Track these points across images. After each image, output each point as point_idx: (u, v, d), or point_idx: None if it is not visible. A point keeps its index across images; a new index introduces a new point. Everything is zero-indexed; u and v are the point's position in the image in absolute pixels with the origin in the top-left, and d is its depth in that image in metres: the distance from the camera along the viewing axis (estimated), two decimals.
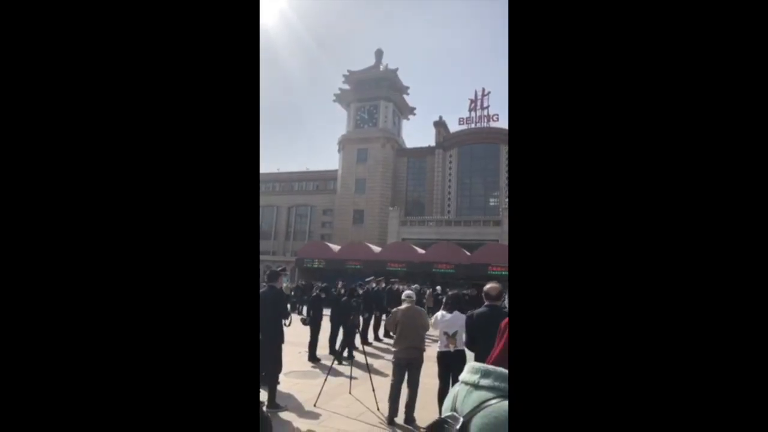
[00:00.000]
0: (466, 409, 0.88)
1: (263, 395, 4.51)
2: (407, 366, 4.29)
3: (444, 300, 4.71)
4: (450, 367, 4.13)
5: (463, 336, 4.16)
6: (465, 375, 0.96)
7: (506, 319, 1.12)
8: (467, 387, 0.93)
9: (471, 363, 0.99)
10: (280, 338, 4.64)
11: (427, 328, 4.45)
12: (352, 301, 6.54)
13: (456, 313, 4.25)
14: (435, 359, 4.34)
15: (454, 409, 0.92)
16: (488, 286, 3.75)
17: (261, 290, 4.75)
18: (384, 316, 9.91)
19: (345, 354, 6.55)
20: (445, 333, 4.19)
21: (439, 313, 4.34)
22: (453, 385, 3.83)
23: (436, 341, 4.70)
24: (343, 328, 6.65)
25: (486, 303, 3.64)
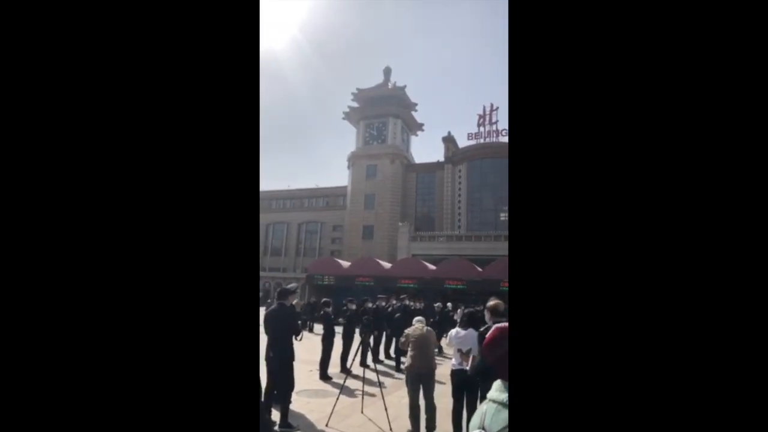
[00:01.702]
0: (496, 427, 0.87)
1: (275, 414, 4.45)
2: (419, 381, 4.33)
3: (460, 318, 4.66)
4: (463, 384, 4.04)
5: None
6: (493, 393, 0.97)
7: (490, 334, 1.09)
8: (496, 405, 0.93)
9: (499, 381, 0.98)
10: (291, 356, 4.59)
11: (436, 346, 4.45)
12: (364, 318, 6.49)
13: (470, 330, 4.18)
14: (448, 377, 4.27)
15: (482, 426, 0.91)
16: (494, 302, 3.65)
17: (271, 308, 4.74)
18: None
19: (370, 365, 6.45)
20: (459, 350, 4.12)
21: (454, 330, 4.31)
22: (466, 402, 3.72)
23: (450, 359, 4.63)
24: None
25: (493, 320, 3.53)
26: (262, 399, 4.26)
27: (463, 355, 4.10)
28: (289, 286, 5.14)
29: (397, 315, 9.32)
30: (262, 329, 4.77)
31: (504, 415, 0.89)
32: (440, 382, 4.71)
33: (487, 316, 3.65)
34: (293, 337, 4.68)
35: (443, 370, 4.61)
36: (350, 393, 5.77)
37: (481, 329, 3.60)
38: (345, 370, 7.03)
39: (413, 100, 38.76)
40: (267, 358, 4.46)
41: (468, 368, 4.05)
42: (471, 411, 3.73)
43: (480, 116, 32.86)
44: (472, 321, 4.33)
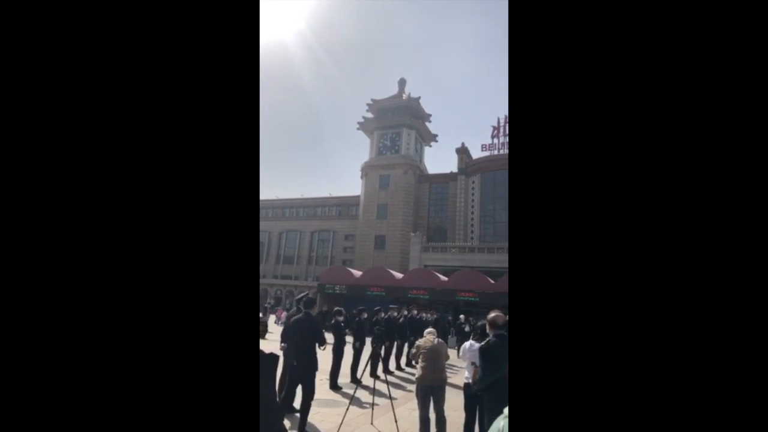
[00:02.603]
0: None
1: (287, 423, 4.42)
2: (431, 393, 4.28)
3: (473, 329, 4.60)
4: (476, 398, 3.98)
5: None
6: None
7: None
8: None
9: None
10: (314, 365, 4.54)
11: (448, 358, 4.46)
12: (375, 329, 6.46)
13: None
14: (457, 389, 4.20)
15: None
16: (494, 314, 3.56)
17: (296, 317, 4.74)
18: (405, 345, 9.76)
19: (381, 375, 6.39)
20: (473, 363, 4.06)
21: (467, 343, 4.26)
22: (478, 416, 3.62)
23: (463, 368, 4.58)
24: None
25: (494, 332, 3.40)
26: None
27: (477, 368, 4.04)
28: (301, 294, 5.15)
29: (429, 329, 9.39)
30: (277, 337, 4.76)
31: None
32: (458, 387, 4.64)
33: (487, 328, 3.59)
34: (317, 346, 4.64)
35: (459, 379, 4.53)
36: (360, 404, 5.72)
37: (482, 344, 3.53)
38: (355, 380, 6.98)
39: (427, 110, 38.91)
40: (290, 367, 4.43)
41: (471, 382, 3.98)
42: (482, 424, 3.66)
43: (494, 128, 32.79)
44: (486, 334, 4.27)
